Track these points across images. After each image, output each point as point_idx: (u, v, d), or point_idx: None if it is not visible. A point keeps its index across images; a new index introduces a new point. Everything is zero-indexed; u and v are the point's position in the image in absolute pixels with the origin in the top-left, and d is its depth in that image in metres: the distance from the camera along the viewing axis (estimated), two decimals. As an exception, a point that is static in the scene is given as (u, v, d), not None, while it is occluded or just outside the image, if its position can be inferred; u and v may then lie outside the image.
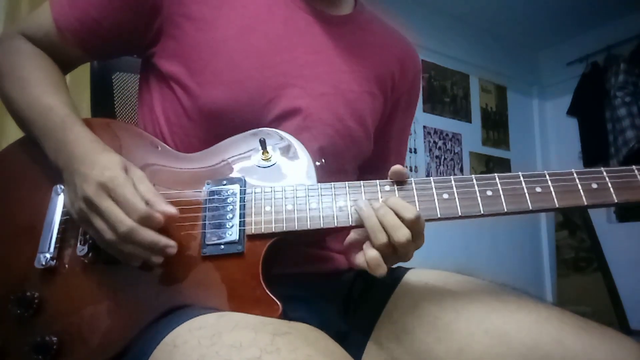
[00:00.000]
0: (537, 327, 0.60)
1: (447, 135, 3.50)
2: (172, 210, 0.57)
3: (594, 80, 3.65)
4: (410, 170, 3.22)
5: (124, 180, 0.57)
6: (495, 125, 3.85)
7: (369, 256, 0.57)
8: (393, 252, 0.57)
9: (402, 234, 0.56)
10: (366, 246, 0.58)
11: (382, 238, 0.56)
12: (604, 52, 3.63)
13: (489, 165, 3.73)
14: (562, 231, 3.77)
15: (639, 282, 3.21)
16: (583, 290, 3.51)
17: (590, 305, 3.31)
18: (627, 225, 3.46)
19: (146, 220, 0.55)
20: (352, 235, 0.62)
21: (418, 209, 0.58)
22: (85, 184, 0.57)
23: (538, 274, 3.84)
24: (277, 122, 0.69)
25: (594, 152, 3.59)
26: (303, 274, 0.71)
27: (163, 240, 0.56)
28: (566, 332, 0.59)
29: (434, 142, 3.42)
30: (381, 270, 0.57)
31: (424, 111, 3.39)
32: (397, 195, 0.60)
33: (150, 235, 0.55)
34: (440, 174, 3.38)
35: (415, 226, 0.57)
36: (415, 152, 3.27)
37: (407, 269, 0.75)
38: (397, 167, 0.61)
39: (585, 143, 3.70)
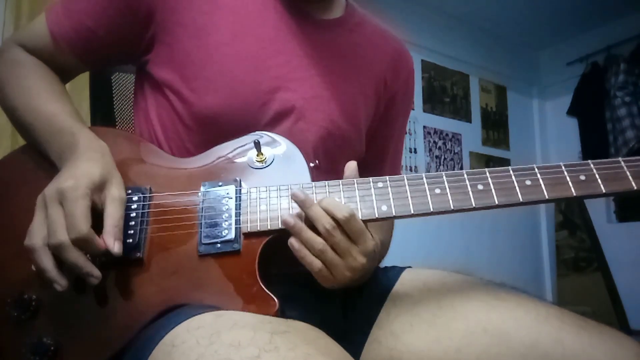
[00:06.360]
0: (537, 326, 0.60)
1: (447, 135, 3.50)
2: (116, 249, 0.55)
3: (594, 80, 3.66)
4: (410, 170, 3.22)
5: (82, 195, 0.54)
6: (495, 125, 3.85)
7: (312, 267, 0.58)
8: (322, 252, 0.57)
9: (325, 222, 0.56)
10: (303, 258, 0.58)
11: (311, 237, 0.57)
12: (604, 52, 3.63)
13: (489, 165, 3.73)
14: (562, 231, 3.77)
15: (639, 282, 3.21)
16: (583, 290, 3.51)
17: (590, 305, 3.31)
18: (627, 225, 3.47)
19: (81, 243, 0.53)
20: None
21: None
22: (51, 184, 0.56)
23: (538, 274, 3.84)
24: (270, 125, 0.69)
25: (594, 152, 3.58)
26: (302, 273, 0.71)
27: (88, 267, 0.54)
28: (566, 331, 0.59)
29: (434, 142, 3.42)
30: (329, 281, 0.59)
31: (424, 111, 3.39)
32: (389, 191, 0.61)
33: (76, 257, 0.53)
34: (440, 174, 3.37)
35: (348, 225, 0.57)
36: (415, 152, 3.27)
37: (404, 268, 0.75)
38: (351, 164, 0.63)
39: (585, 143, 3.70)
